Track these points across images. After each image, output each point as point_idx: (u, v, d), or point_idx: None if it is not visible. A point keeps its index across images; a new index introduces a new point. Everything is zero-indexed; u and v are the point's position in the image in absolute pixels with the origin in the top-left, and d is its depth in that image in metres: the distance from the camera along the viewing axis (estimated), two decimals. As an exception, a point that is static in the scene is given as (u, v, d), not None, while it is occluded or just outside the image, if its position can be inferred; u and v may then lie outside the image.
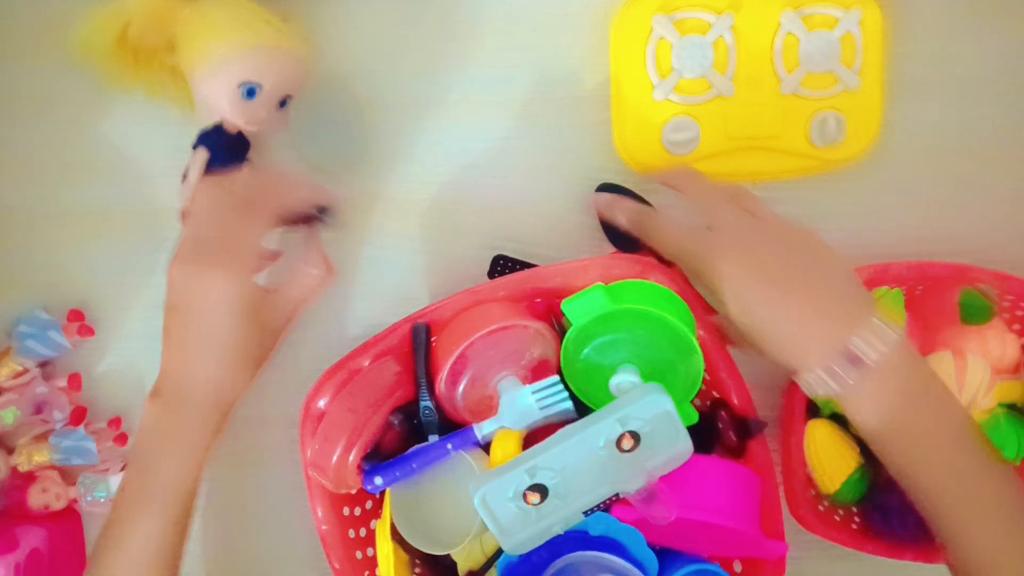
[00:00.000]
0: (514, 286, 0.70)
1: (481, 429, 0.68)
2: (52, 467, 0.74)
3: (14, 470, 0.74)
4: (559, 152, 0.77)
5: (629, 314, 0.67)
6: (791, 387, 0.75)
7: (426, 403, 0.69)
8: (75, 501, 0.75)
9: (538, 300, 0.72)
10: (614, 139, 0.76)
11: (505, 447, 0.66)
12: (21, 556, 0.70)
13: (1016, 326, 0.77)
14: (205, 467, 0.65)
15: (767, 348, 0.63)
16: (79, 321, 0.75)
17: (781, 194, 0.78)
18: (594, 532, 0.66)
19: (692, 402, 0.71)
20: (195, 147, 0.72)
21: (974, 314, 0.75)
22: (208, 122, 0.71)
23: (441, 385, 0.69)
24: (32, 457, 0.73)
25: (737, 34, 0.73)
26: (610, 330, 0.68)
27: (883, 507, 0.75)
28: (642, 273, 0.69)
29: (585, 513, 0.66)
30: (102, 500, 0.74)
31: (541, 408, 0.67)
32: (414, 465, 0.68)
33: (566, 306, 0.67)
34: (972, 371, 0.73)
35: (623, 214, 0.72)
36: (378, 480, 0.67)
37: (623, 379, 0.66)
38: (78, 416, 0.75)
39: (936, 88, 0.78)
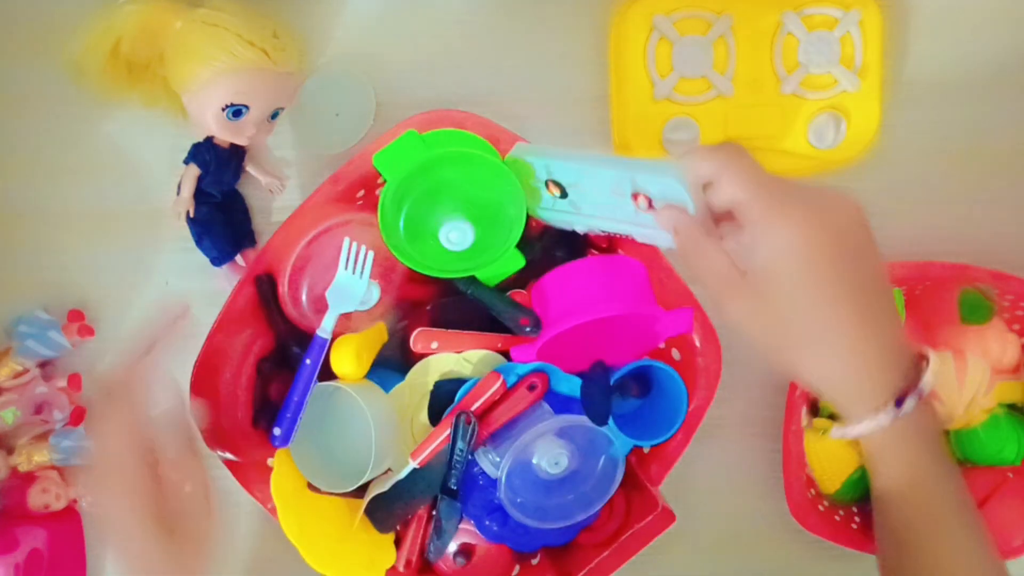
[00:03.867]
0: (326, 194, 0.68)
1: (323, 328, 0.67)
2: (52, 467, 0.74)
3: (14, 470, 0.73)
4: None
5: (442, 161, 0.64)
6: (791, 387, 0.75)
7: (293, 348, 0.69)
8: (75, 501, 0.75)
9: (360, 196, 0.70)
10: (613, 139, 0.76)
11: (341, 352, 0.67)
12: (21, 556, 0.70)
13: (1016, 326, 0.77)
14: None
15: (801, 375, 0.56)
16: (79, 321, 0.75)
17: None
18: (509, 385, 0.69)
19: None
20: (186, 162, 0.72)
21: (974, 314, 0.75)
22: (200, 134, 0.72)
23: (288, 306, 0.68)
24: (32, 457, 0.73)
25: (737, 34, 0.73)
26: (426, 182, 0.64)
27: (883, 507, 0.75)
28: (443, 121, 0.66)
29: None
30: (102, 500, 0.74)
31: (355, 272, 0.67)
32: (296, 399, 0.67)
33: (378, 160, 0.65)
34: (972, 371, 0.73)
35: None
36: (276, 431, 0.68)
37: (453, 227, 0.65)
38: (78, 416, 0.75)
39: (935, 89, 0.78)
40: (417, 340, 0.68)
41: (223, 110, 0.68)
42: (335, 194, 0.69)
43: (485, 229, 0.66)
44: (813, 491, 0.76)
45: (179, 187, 0.72)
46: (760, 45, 0.74)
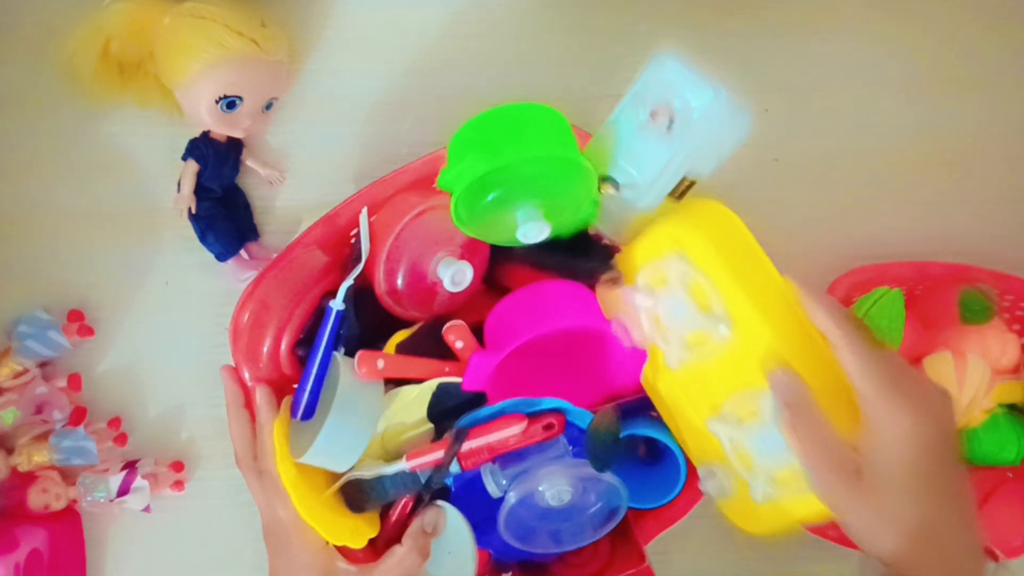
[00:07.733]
0: (417, 172, 0.68)
1: (337, 301, 0.65)
2: (52, 467, 0.74)
3: (14, 470, 0.73)
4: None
5: (538, 159, 0.61)
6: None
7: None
8: (75, 501, 0.75)
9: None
10: None
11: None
12: (21, 556, 0.70)
13: (1016, 326, 0.77)
14: None
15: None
16: (79, 321, 0.75)
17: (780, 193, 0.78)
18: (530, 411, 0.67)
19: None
20: (184, 158, 0.72)
21: (974, 314, 0.75)
22: (196, 129, 0.72)
23: (381, 284, 0.66)
24: (32, 457, 0.73)
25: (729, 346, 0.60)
26: (500, 183, 0.61)
27: (883, 507, 0.75)
28: None
29: None
30: (102, 500, 0.74)
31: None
32: (315, 371, 0.65)
33: (443, 182, 0.62)
34: (972, 371, 0.73)
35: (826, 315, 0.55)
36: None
37: (532, 226, 0.63)
38: (78, 416, 0.75)
39: (933, 90, 0.78)
40: (361, 361, 0.65)
41: (216, 102, 0.68)
42: (408, 182, 0.68)
43: (553, 220, 0.64)
44: (813, 491, 0.76)
45: (179, 184, 0.72)
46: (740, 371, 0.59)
